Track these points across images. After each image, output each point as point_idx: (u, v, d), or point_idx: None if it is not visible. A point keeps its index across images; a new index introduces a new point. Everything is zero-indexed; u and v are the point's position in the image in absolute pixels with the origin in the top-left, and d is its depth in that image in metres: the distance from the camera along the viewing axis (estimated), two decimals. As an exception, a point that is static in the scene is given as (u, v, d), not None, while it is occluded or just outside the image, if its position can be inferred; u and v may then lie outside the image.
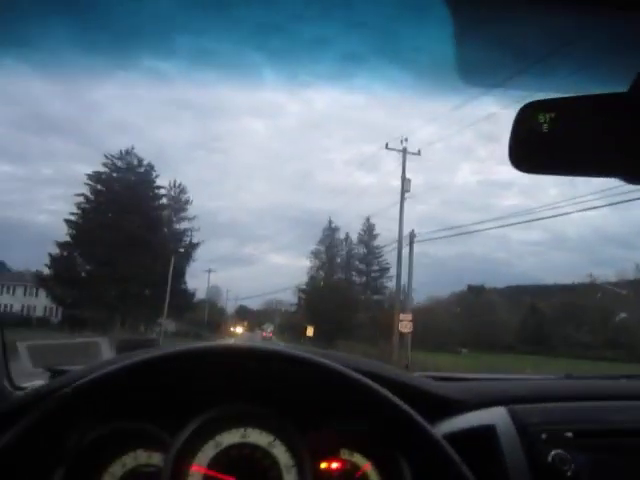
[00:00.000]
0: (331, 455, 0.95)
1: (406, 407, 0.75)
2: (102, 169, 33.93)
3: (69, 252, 32.44)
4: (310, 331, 31.24)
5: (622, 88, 0.64)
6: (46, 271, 32.21)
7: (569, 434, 0.92)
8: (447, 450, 0.73)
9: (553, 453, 0.88)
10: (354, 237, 46.05)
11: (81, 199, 33.29)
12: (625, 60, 0.68)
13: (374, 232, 44.87)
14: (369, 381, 0.79)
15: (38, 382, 1.07)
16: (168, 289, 29.96)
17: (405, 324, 18.71)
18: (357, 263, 46.04)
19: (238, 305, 58.67)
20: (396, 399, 0.77)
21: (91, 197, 33.56)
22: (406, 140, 21.82)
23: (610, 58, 0.71)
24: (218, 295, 52.30)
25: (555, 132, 0.66)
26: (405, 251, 20.84)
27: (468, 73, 0.72)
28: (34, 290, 35.25)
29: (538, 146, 0.68)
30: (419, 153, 22.29)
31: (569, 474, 0.87)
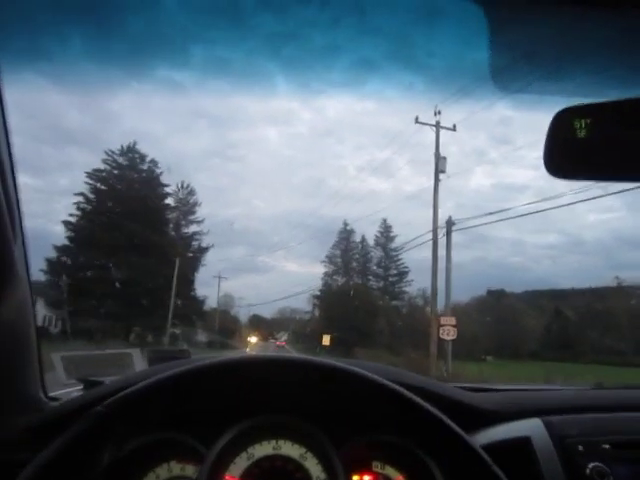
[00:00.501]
0: (363, 468, 0.96)
1: (444, 417, 0.77)
2: (103, 166, 32.09)
3: (67, 256, 30.29)
4: (326, 340, 30.59)
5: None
6: (42, 277, 29.00)
7: (607, 446, 0.92)
8: (487, 460, 0.74)
9: (591, 466, 0.89)
10: (370, 241, 45.96)
11: (80, 199, 31.33)
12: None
13: (391, 234, 44.69)
14: (403, 390, 0.80)
15: (71, 392, 1.12)
16: (173, 294, 28.96)
17: (448, 330, 16.27)
18: (374, 267, 45.79)
19: (252, 314, 58.85)
20: (432, 408, 0.78)
21: (91, 197, 31.55)
22: (439, 113, 19.16)
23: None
24: (231, 304, 52.48)
25: (591, 138, 0.68)
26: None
27: (497, 77, 0.74)
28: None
29: (574, 152, 0.69)
30: (454, 128, 19.50)
31: None
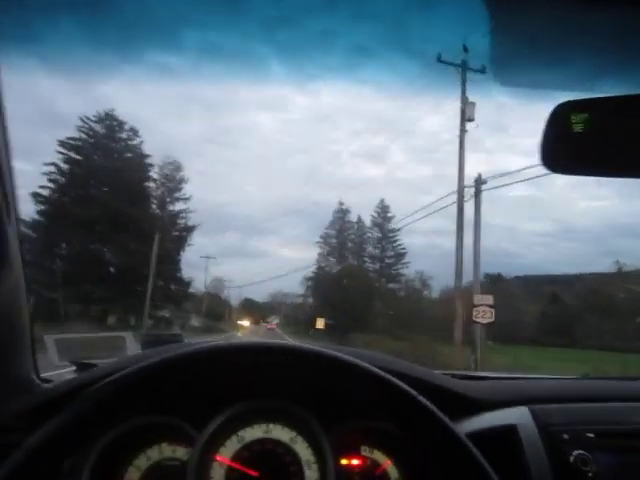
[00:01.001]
0: (352, 452, 1.02)
1: (429, 404, 0.80)
2: (77, 134, 29.41)
3: (39, 232, 26.87)
4: (320, 323, 30.25)
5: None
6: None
7: (591, 435, 0.98)
8: (470, 448, 0.77)
9: (575, 454, 0.95)
10: (367, 221, 45.91)
11: (52, 169, 28.61)
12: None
13: (389, 214, 44.65)
14: (391, 377, 0.83)
15: (64, 374, 1.16)
16: (151, 273, 26.86)
17: (484, 311, 13.15)
18: (370, 248, 45.89)
19: (244, 298, 59.09)
20: (419, 396, 0.82)
21: (64, 167, 28.96)
22: (466, 51, 16.64)
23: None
24: (221, 287, 52.37)
25: (588, 133, 0.70)
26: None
27: (495, 67, 0.77)
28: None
29: (571, 147, 0.72)
30: (484, 70, 16.23)
31: (590, 475, 0.93)
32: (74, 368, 1.25)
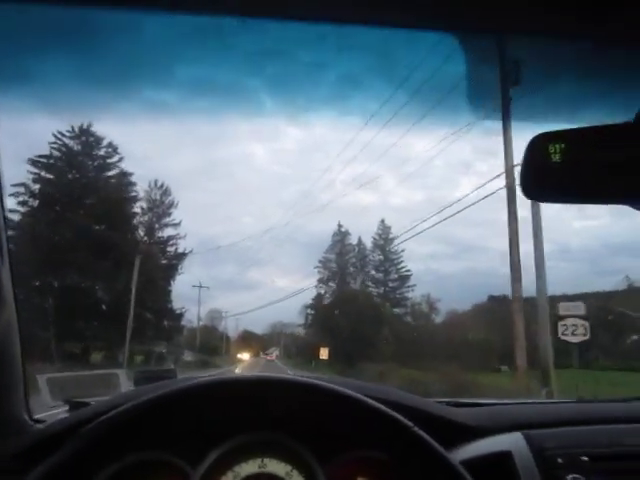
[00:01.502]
0: None
1: (423, 434, 0.84)
2: (50, 152, 27.22)
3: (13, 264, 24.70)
4: (324, 352, 29.41)
5: (629, 118, 0.76)
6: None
7: (585, 458, 1.02)
8: (464, 477, 0.81)
9: (570, 477, 0.99)
10: (368, 243, 45.80)
11: (21, 189, 26.25)
12: (632, 92, 0.80)
13: (390, 235, 44.55)
14: (385, 408, 0.87)
15: (56, 414, 1.20)
16: (132, 304, 24.44)
17: (574, 325, 10.01)
18: (373, 272, 45.68)
19: (242, 330, 58.68)
20: (413, 427, 0.85)
21: (34, 187, 26.81)
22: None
23: (619, 89, 0.82)
24: (218, 318, 51.61)
25: (565, 162, 0.75)
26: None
27: (473, 97, 0.83)
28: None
29: (549, 176, 0.77)
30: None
31: None
32: (67, 407, 1.28)
